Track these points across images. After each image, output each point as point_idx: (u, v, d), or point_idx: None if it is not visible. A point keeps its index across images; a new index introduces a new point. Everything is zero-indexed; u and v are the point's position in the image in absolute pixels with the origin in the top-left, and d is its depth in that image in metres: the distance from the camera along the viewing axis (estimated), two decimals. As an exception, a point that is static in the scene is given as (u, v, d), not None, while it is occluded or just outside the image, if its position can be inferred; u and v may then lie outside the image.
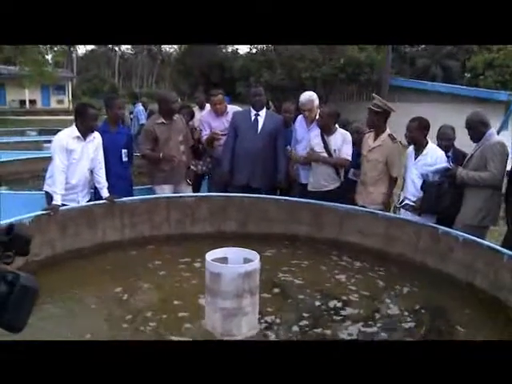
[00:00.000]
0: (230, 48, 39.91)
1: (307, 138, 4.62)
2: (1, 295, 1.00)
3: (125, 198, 4.14)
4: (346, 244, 4.15)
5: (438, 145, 4.19)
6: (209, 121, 5.12)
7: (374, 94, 4.70)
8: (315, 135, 4.48)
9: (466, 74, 25.66)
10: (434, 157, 3.93)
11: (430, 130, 4.05)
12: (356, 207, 4.26)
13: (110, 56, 57.15)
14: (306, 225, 4.36)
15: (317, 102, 4.74)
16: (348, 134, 4.46)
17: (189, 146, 4.86)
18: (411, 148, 4.11)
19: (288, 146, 4.76)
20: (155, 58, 55.63)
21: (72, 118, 4.13)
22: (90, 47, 57.53)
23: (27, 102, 30.83)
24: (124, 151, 4.41)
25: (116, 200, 4.03)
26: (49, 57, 27.16)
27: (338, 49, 18.08)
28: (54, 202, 3.69)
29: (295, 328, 2.84)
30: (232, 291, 2.61)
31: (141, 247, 4.02)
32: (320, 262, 3.91)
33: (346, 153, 4.36)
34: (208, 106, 5.37)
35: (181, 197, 4.47)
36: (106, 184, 4.05)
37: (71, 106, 29.93)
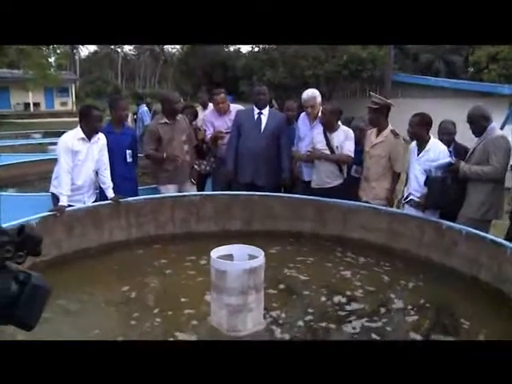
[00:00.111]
0: (232, 47, 39.91)
1: (310, 135, 4.64)
2: (12, 294, 1.02)
3: (130, 198, 4.17)
4: (350, 240, 4.17)
5: (439, 139, 4.20)
6: (212, 120, 5.15)
7: (371, 92, 4.72)
8: (318, 132, 4.51)
9: (469, 69, 25.47)
10: (437, 152, 3.94)
11: (433, 126, 4.06)
12: (358, 203, 4.28)
13: (112, 57, 57.37)
14: (310, 221, 4.38)
15: (319, 98, 4.76)
16: (350, 130, 4.49)
17: (192, 146, 4.89)
18: (414, 144, 4.13)
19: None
20: (158, 58, 55.79)
21: (76, 119, 4.17)
22: (92, 49, 57.79)
23: (31, 105, 30.90)
24: (128, 152, 4.44)
25: (121, 200, 4.07)
26: (52, 59, 27.20)
27: (341, 46, 18.00)
28: (60, 203, 3.74)
29: (300, 323, 2.87)
30: (237, 288, 2.64)
31: (147, 246, 4.07)
32: (325, 258, 3.93)
33: (348, 149, 4.39)
34: (210, 105, 5.40)
35: (185, 196, 4.50)
36: (111, 184, 4.09)
37: (75, 108, 30.06)
